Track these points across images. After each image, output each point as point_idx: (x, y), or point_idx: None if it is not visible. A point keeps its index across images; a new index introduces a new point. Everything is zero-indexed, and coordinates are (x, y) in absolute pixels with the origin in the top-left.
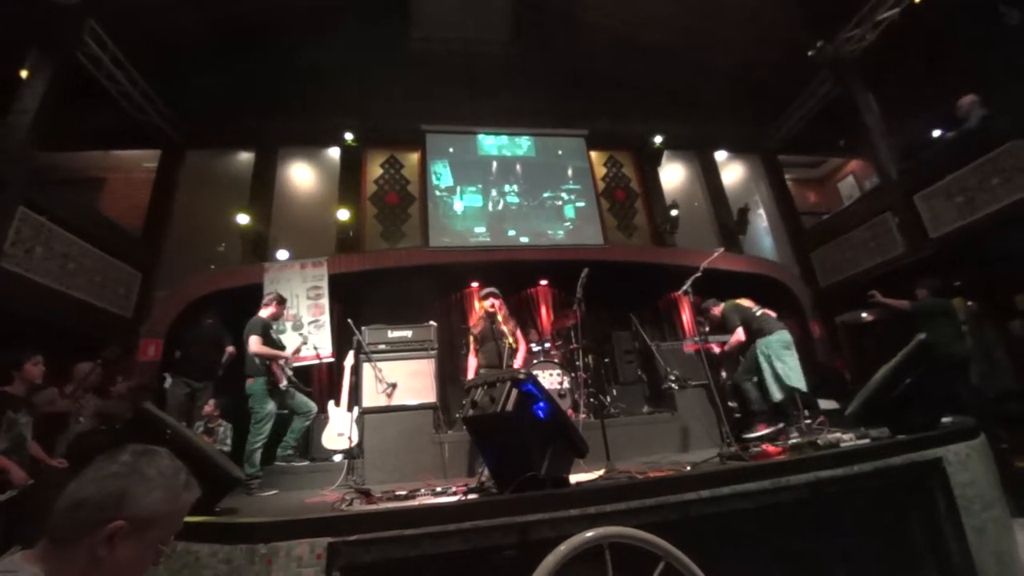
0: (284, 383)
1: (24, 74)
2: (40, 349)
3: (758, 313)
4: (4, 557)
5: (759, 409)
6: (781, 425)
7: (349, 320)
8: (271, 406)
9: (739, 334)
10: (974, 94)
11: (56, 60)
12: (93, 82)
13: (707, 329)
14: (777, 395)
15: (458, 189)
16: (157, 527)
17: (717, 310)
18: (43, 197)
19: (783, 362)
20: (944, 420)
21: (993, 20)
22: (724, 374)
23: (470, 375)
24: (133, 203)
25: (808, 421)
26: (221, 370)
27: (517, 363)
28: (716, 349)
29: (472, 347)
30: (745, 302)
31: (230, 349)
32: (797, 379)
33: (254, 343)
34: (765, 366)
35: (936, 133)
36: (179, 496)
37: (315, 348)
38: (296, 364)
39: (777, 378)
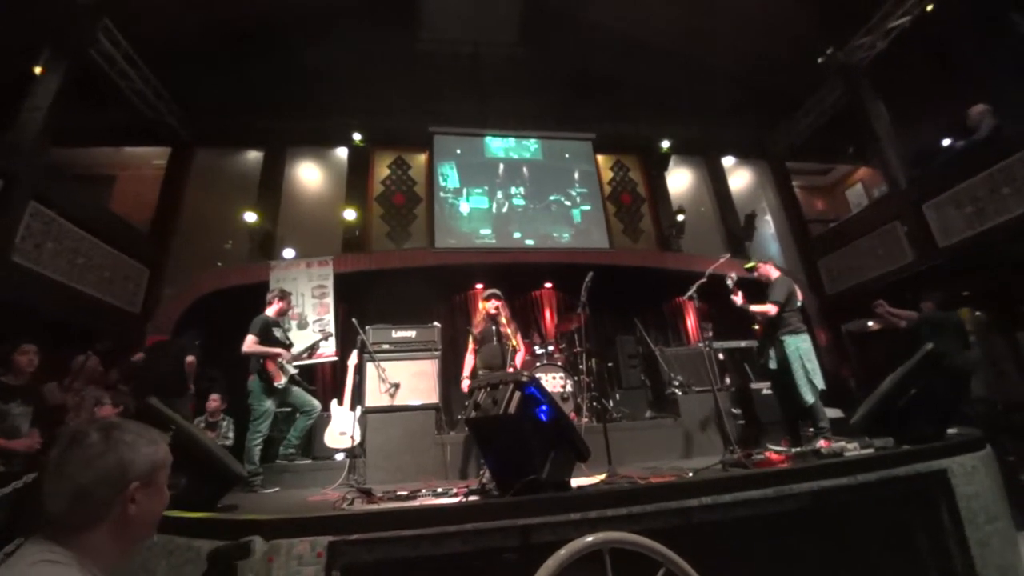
0: (282, 381)
1: (38, 71)
2: (47, 343)
3: (798, 305)
4: (14, 548)
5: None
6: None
7: (353, 319)
8: (268, 404)
9: (771, 308)
10: (985, 103)
11: (70, 58)
12: (105, 80)
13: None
14: (810, 397)
15: (464, 191)
16: (159, 471)
17: (772, 273)
18: (54, 192)
19: (812, 363)
20: (950, 431)
21: (1005, 30)
22: (728, 380)
23: (466, 373)
24: (142, 200)
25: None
26: (184, 382)
27: (516, 366)
28: (739, 301)
29: (471, 347)
30: (798, 291)
31: (189, 359)
32: (820, 380)
33: (246, 343)
34: (797, 366)
35: (946, 142)
36: (158, 442)
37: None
38: (318, 360)
39: (809, 379)
